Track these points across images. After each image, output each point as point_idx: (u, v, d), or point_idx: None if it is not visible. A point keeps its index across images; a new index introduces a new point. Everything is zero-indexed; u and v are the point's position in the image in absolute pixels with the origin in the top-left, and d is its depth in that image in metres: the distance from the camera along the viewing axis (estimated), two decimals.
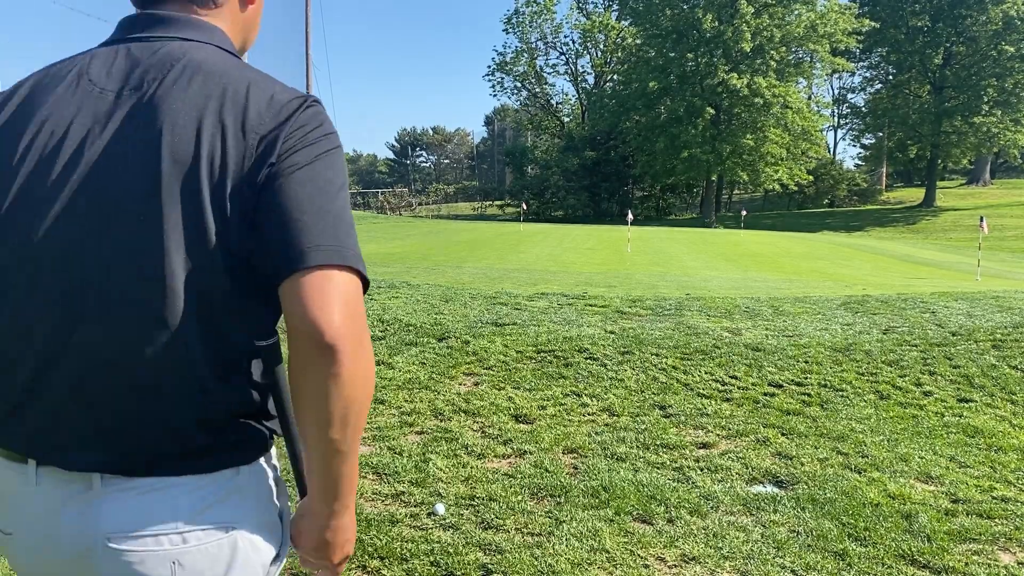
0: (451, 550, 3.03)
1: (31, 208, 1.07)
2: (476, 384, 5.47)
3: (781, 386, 5.43)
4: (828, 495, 3.62)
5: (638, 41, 53.37)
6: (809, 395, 5.24)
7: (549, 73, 66.11)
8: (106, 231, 1.04)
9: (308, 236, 1.02)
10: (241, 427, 1.12)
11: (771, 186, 51.57)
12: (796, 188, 51.60)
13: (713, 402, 5.09)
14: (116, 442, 1.06)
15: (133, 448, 1.06)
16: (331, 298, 1.00)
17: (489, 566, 2.93)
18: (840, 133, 76.17)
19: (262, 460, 1.16)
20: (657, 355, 6.05)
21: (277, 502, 1.19)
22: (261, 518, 1.15)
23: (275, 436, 1.19)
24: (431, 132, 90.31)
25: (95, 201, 1.05)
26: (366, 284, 1.08)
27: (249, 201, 1.04)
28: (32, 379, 1.07)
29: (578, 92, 66.49)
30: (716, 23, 45.41)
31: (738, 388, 5.38)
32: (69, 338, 1.05)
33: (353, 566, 2.91)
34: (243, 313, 1.09)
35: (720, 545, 3.13)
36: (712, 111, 46.77)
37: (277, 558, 1.18)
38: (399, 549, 3.04)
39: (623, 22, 58.98)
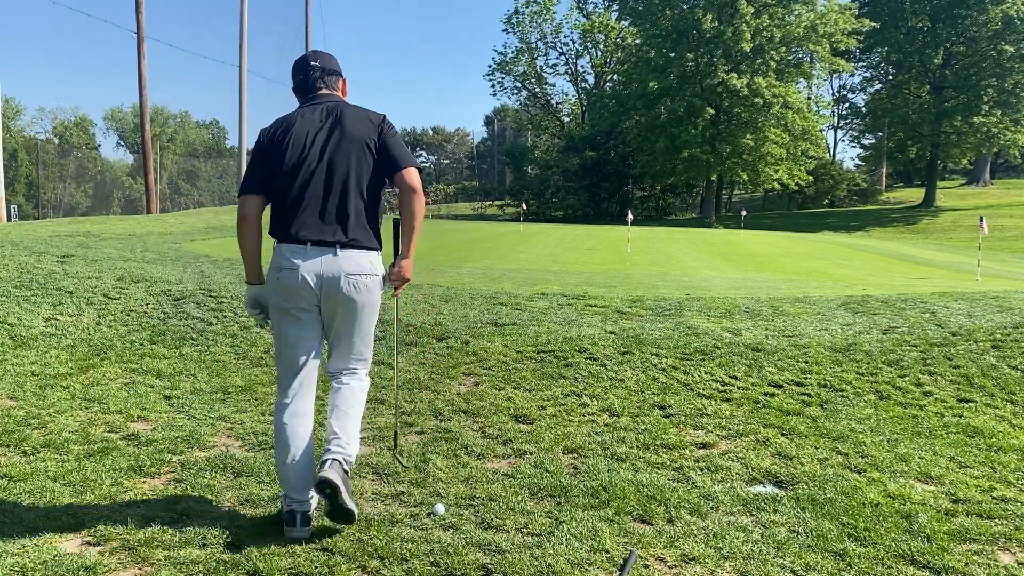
0: (451, 550, 3.03)
1: (304, 161, 3.27)
2: (476, 384, 5.47)
3: (781, 386, 5.43)
4: (828, 495, 3.62)
5: (638, 41, 53.31)
6: (809, 395, 5.24)
7: (549, 73, 66.13)
8: (333, 163, 3.27)
9: (401, 159, 3.30)
10: (378, 235, 3.36)
11: (771, 186, 51.55)
12: (796, 188, 51.55)
13: (713, 402, 5.09)
14: (343, 235, 3.22)
15: (349, 237, 3.23)
16: (413, 178, 3.28)
17: (489, 566, 2.93)
18: (840, 133, 76.09)
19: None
20: (657, 355, 6.05)
21: (384, 267, 3.39)
22: (383, 272, 3.37)
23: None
24: (431, 132, 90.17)
25: (328, 156, 3.27)
26: (421, 172, 3.34)
27: (378, 146, 3.30)
28: (315, 214, 3.23)
29: (578, 92, 66.46)
30: (716, 23, 45.32)
31: (738, 388, 5.38)
32: (326, 197, 3.25)
33: (353, 566, 2.91)
34: (377, 187, 3.33)
35: (720, 545, 3.13)
36: (712, 111, 46.70)
37: (383, 281, 3.37)
38: (399, 549, 3.04)
39: (623, 22, 58.91)
